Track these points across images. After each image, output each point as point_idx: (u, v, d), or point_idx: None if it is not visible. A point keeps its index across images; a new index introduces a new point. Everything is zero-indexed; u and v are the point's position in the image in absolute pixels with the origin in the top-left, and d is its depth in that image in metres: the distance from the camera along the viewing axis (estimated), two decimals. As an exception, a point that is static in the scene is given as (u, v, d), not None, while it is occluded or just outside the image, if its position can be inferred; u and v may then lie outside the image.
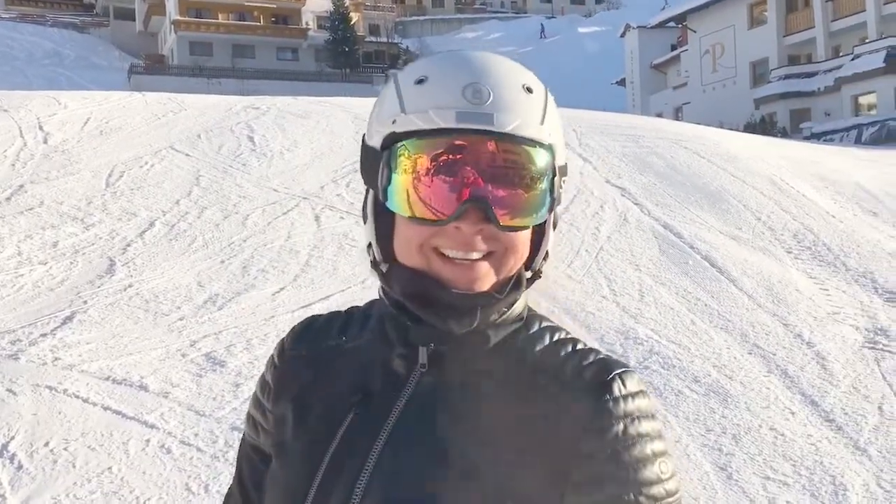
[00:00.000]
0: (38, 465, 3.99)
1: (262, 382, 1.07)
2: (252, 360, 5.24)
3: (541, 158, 0.89)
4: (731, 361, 5.68)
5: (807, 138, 26.06)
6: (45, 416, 4.45)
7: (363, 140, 0.96)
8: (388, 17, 60.24)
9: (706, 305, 6.75)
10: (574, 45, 59.16)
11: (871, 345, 6.07)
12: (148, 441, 4.25)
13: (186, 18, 51.27)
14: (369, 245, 0.96)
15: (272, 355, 1.07)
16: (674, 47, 42.27)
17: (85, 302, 6.23)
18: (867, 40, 30.30)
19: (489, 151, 0.86)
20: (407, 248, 0.91)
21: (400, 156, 0.88)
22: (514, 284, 0.93)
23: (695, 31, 38.48)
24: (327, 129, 12.64)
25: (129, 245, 7.60)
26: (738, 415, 4.90)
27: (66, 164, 10.02)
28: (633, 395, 0.91)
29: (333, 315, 1.08)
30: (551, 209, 0.92)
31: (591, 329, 6.11)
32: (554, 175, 0.91)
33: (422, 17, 65.91)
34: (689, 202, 9.81)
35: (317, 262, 7.35)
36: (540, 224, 0.93)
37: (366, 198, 0.96)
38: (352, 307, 1.08)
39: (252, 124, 12.69)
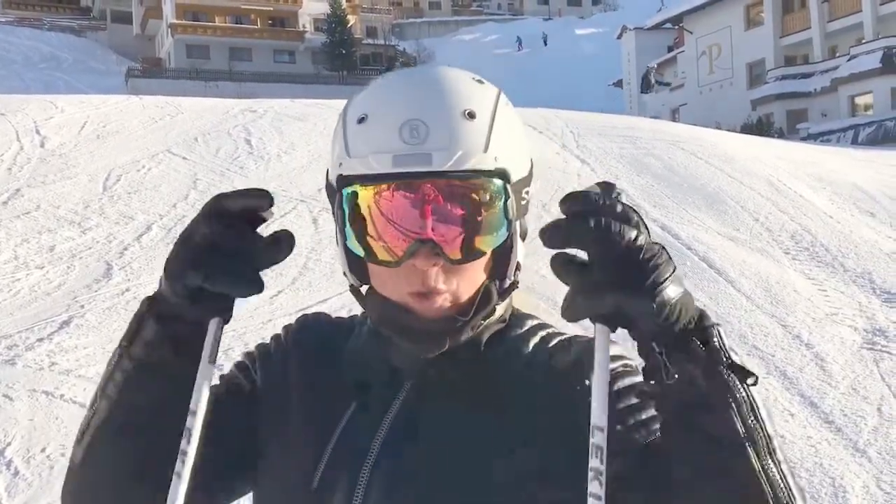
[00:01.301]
0: (34, 470, 3.97)
1: (264, 348, 1.09)
2: (250, 364, 5.22)
3: (487, 187, 0.88)
4: (729, 363, 5.67)
5: (804, 139, 26.09)
6: (41, 421, 4.43)
7: (327, 173, 0.97)
8: (385, 20, 60.29)
9: (704, 306, 6.65)
10: (571, 47, 59.22)
11: (870, 346, 6.07)
12: (145, 446, 4.23)
13: (183, 21, 51.27)
14: (345, 272, 0.97)
15: (277, 334, 1.10)
16: (670, 49, 42.32)
17: (82, 306, 6.21)
18: (864, 41, 30.35)
19: (431, 191, 0.87)
20: (380, 284, 0.94)
21: (348, 201, 0.90)
22: (483, 301, 0.94)
23: (691, 33, 38.53)
24: (325, 131, 12.63)
25: (126, 249, 7.59)
26: (737, 417, 4.88)
27: (63, 168, 10.00)
28: (620, 357, 0.96)
29: (337, 318, 1.12)
30: (510, 230, 0.91)
31: (590, 331, 6.07)
32: (507, 197, 0.89)
33: (419, 20, 65.95)
34: (686, 203, 9.81)
35: (315, 264, 7.34)
36: (506, 241, 0.92)
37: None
38: (353, 315, 1.11)
39: (249, 127, 12.68)
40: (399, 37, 62.07)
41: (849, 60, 29.85)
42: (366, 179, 0.88)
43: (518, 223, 0.93)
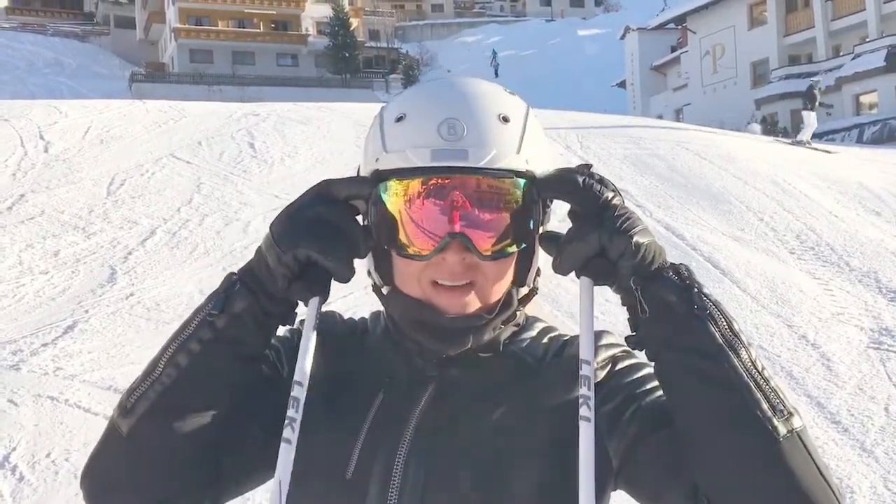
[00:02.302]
0: (39, 476, 3.96)
1: (286, 340, 1.09)
2: (254, 368, 5.21)
3: (518, 187, 0.92)
4: (735, 364, 5.65)
5: (808, 138, 26.01)
6: (46, 426, 4.43)
7: (357, 172, 1.00)
8: (387, 22, 60.33)
9: (710, 307, 6.71)
10: (574, 47, 59.19)
11: (876, 345, 6.04)
12: (150, 451, 4.22)
13: (186, 26, 51.39)
14: (369, 272, 1.01)
15: (296, 329, 1.09)
16: (674, 49, 42.27)
17: (86, 311, 6.21)
18: (868, 39, 30.28)
19: (466, 186, 0.91)
20: (404, 279, 0.96)
21: (383, 195, 0.93)
22: (505, 304, 0.98)
23: (695, 33, 38.48)
24: (328, 134, 12.63)
25: (130, 253, 7.59)
26: (743, 417, 4.86)
27: (68, 173, 10.02)
28: (617, 344, 1.04)
29: (350, 319, 1.14)
30: (536, 232, 0.96)
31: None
32: (534, 201, 0.94)
33: (421, 22, 65.99)
34: (690, 204, 9.78)
35: (318, 268, 7.34)
36: (529, 245, 0.97)
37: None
38: (362, 317, 1.13)
39: (252, 131, 12.69)
40: (402, 39, 62.11)
41: (853, 59, 29.80)
42: (403, 173, 0.91)
43: (541, 229, 0.98)
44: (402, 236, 0.93)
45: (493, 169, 0.90)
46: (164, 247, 7.81)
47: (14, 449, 4.18)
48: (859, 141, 25.34)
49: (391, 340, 1.04)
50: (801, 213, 9.61)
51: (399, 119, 0.93)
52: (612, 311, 6.90)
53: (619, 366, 1.02)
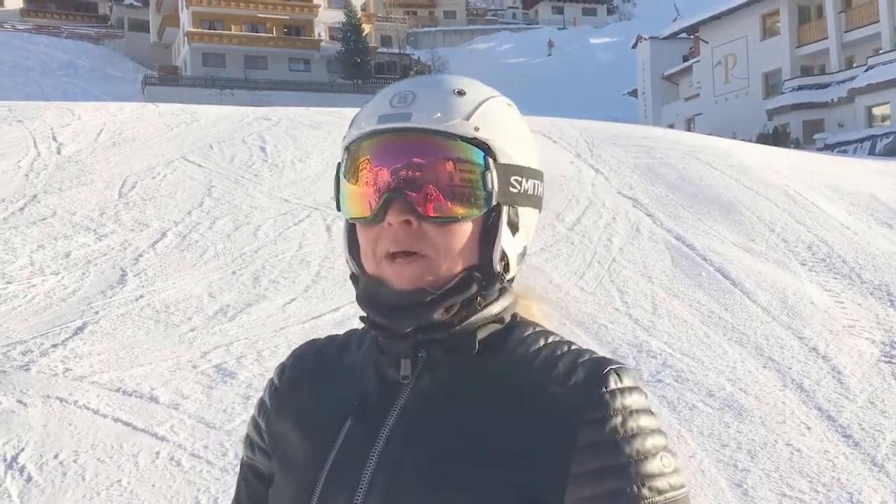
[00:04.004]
0: (47, 477, 3.97)
1: (260, 403, 1.10)
2: (262, 372, 5.22)
3: (464, 152, 0.91)
4: (745, 375, 5.62)
5: (820, 149, 25.92)
6: (54, 427, 4.44)
7: None
8: (400, 29, 60.47)
9: (720, 318, 6.69)
10: (586, 56, 59.20)
11: (888, 359, 6.00)
12: (158, 453, 4.23)
13: (200, 30, 51.62)
14: (347, 259, 1.01)
15: (272, 378, 1.10)
16: (686, 58, 42.23)
17: (96, 313, 6.23)
18: (881, 51, 30.16)
19: (408, 147, 0.91)
20: (365, 256, 0.96)
21: (340, 165, 0.97)
22: (460, 285, 0.93)
23: (707, 42, 38.43)
24: (339, 139, 12.56)
25: (140, 256, 7.61)
26: (753, 430, 4.83)
27: (80, 175, 10.06)
28: (630, 389, 0.91)
29: (332, 337, 1.11)
30: (489, 205, 0.92)
31: (604, 342, 6.06)
32: (486, 169, 0.91)
33: (433, 29, 66.13)
34: (701, 213, 9.75)
35: (328, 272, 7.34)
36: (491, 225, 0.94)
37: None
38: (350, 330, 1.10)
39: (264, 135, 12.73)
40: (414, 46, 62.26)
41: (866, 71, 29.68)
42: (354, 142, 0.95)
43: (508, 211, 0.94)
44: (349, 201, 0.95)
45: (437, 129, 0.90)
46: (174, 249, 7.84)
47: (22, 450, 4.19)
48: (872, 153, 25.22)
49: (371, 352, 1.01)
50: (812, 224, 9.56)
51: (369, 101, 0.98)
52: (620, 321, 6.93)
53: (625, 431, 0.89)
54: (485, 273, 0.94)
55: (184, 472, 4.07)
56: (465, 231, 0.92)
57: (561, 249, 8.24)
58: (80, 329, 5.87)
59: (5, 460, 4.09)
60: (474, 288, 0.93)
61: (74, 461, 4.11)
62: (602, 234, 8.81)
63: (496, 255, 0.94)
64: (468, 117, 0.92)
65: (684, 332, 6.34)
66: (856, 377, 5.63)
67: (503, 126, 0.95)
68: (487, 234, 0.94)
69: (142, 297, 6.62)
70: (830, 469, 4.40)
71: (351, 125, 0.97)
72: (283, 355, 1.12)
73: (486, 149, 0.92)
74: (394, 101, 0.93)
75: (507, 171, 0.94)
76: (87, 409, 4.66)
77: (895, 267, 8.20)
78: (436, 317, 0.92)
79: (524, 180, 0.96)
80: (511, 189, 0.94)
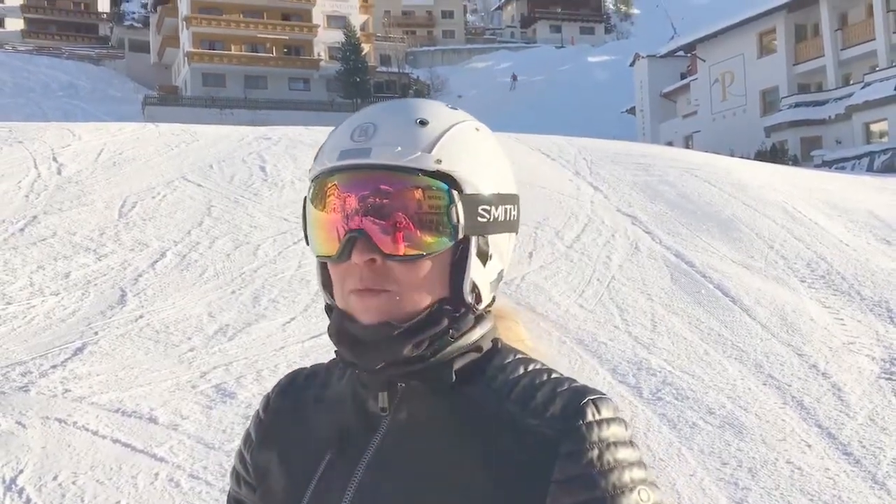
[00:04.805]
0: (46, 498, 3.96)
1: (246, 436, 1.09)
2: (262, 392, 5.20)
3: (425, 186, 0.89)
4: (745, 393, 5.61)
5: (818, 166, 26.01)
6: (53, 449, 4.43)
7: None
8: (399, 48, 60.81)
9: (719, 335, 6.68)
10: (584, 74, 59.48)
11: (888, 376, 5.99)
12: (157, 475, 4.22)
13: (200, 50, 51.92)
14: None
15: (257, 410, 1.09)
16: (683, 76, 42.42)
17: (96, 333, 6.23)
18: (878, 68, 30.32)
19: (369, 183, 0.89)
20: (335, 291, 0.95)
21: (305, 200, 0.96)
22: (430, 318, 0.91)
23: (704, 60, 38.62)
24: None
25: (140, 275, 7.62)
26: (753, 448, 4.82)
27: (80, 195, 10.09)
28: (608, 420, 0.88)
29: (316, 367, 1.10)
30: (455, 239, 0.91)
31: (604, 360, 6.05)
32: (450, 202, 0.89)
33: (432, 48, 66.48)
34: (700, 231, 9.77)
35: (327, 292, 7.34)
36: (460, 257, 0.92)
37: None
38: (333, 359, 1.08)
39: (264, 154, 12.77)
40: (413, 65, 62.57)
41: (863, 88, 29.81)
42: (317, 178, 0.94)
43: (477, 241, 0.93)
44: (313, 238, 0.95)
45: (397, 165, 0.88)
46: (174, 269, 7.84)
47: (21, 471, 4.18)
48: (869, 169, 25.27)
49: (353, 384, 0.99)
50: (811, 241, 9.58)
51: (332, 132, 0.96)
52: (620, 338, 6.92)
53: (602, 465, 0.87)
54: (455, 305, 0.92)
55: (183, 493, 4.05)
56: (430, 266, 0.91)
57: (560, 267, 8.25)
58: (80, 350, 5.87)
59: (4, 482, 4.08)
60: (445, 322, 0.92)
61: (73, 483, 4.10)
62: (601, 252, 8.82)
63: (466, 287, 0.92)
64: (430, 149, 0.89)
65: (684, 350, 6.34)
66: (856, 394, 5.62)
67: (468, 154, 0.92)
68: (457, 266, 0.92)
69: (141, 317, 6.62)
70: (831, 487, 4.39)
71: (316, 156, 0.96)
72: (281, 375, 1.12)
73: (451, 181, 0.90)
74: (355, 135, 0.91)
75: (474, 201, 0.92)
76: (87, 430, 4.65)
77: (894, 283, 8.20)
78: (405, 353, 0.90)
79: (493, 208, 0.93)
80: (479, 220, 0.92)
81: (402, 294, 0.90)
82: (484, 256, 0.94)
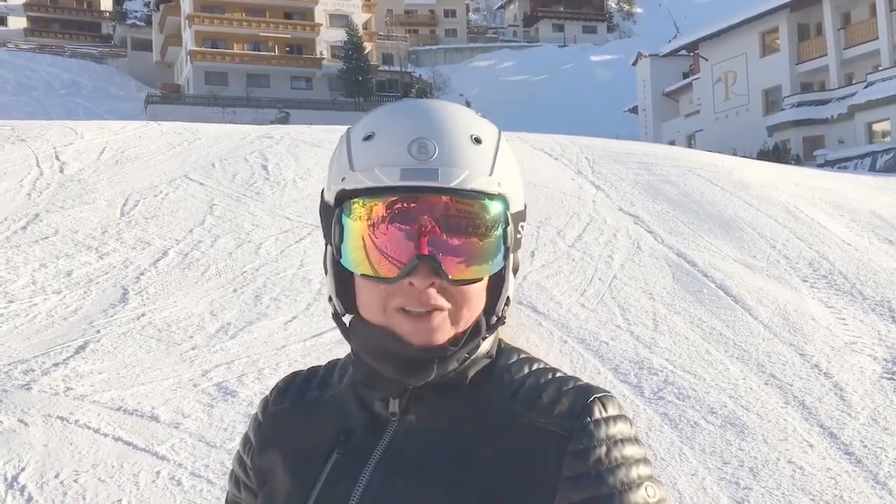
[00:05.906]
0: (47, 496, 3.96)
1: (245, 439, 1.08)
2: (263, 391, 5.20)
3: (490, 210, 0.89)
4: (747, 392, 5.61)
5: (821, 166, 26.00)
6: (55, 446, 4.43)
7: (321, 194, 0.96)
8: (401, 47, 60.80)
9: (721, 335, 6.68)
10: (586, 73, 59.45)
11: (890, 375, 5.98)
12: (158, 473, 4.22)
13: (202, 49, 51.94)
14: (330, 298, 0.96)
15: (255, 413, 1.09)
16: (686, 75, 42.40)
17: (98, 331, 6.23)
18: (880, 68, 30.29)
19: (435, 207, 0.87)
20: (369, 306, 0.92)
21: (349, 214, 0.90)
22: (472, 333, 0.92)
23: (707, 60, 38.59)
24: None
25: (142, 274, 7.63)
26: (755, 447, 4.82)
27: (82, 194, 10.10)
28: (615, 418, 0.90)
29: (314, 369, 1.09)
30: (506, 258, 0.92)
31: (605, 359, 6.05)
32: (507, 224, 0.91)
33: (434, 47, 66.49)
34: (702, 230, 9.76)
35: (329, 290, 7.34)
36: (499, 272, 0.93)
37: (325, 250, 0.97)
38: (331, 360, 1.09)
39: (266, 153, 12.77)
40: (415, 64, 62.58)
41: (865, 87, 29.79)
42: (370, 193, 0.88)
43: (513, 256, 0.94)
44: (366, 259, 0.89)
45: (465, 190, 0.87)
46: (176, 268, 7.85)
47: (23, 469, 4.19)
48: (872, 169, 25.26)
49: (351, 388, 0.99)
50: (813, 240, 9.56)
51: (367, 138, 0.90)
52: (622, 338, 6.91)
53: (609, 461, 0.88)
54: (489, 318, 0.94)
55: (184, 491, 4.06)
56: (483, 285, 0.92)
57: (562, 266, 8.25)
58: (82, 348, 5.88)
59: (6, 480, 4.09)
60: (483, 333, 0.93)
61: (75, 481, 4.11)
62: (603, 251, 8.82)
63: (502, 302, 0.94)
64: (491, 171, 0.90)
65: (686, 349, 6.33)
66: (858, 394, 5.62)
67: (512, 172, 0.94)
68: (495, 281, 0.93)
69: (143, 315, 6.63)
70: (833, 487, 4.39)
71: (352, 162, 0.90)
72: (283, 374, 1.12)
73: (506, 201, 0.91)
74: (413, 151, 0.87)
75: (517, 219, 0.94)
76: (88, 428, 4.65)
77: (896, 283, 8.19)
78: (449, 368, 0.92)
79: (525, 224, 0.96)
80: (518, 237, 0.94)
81: (455, 314, 0.91)
82: (516, 270, 0.97)
